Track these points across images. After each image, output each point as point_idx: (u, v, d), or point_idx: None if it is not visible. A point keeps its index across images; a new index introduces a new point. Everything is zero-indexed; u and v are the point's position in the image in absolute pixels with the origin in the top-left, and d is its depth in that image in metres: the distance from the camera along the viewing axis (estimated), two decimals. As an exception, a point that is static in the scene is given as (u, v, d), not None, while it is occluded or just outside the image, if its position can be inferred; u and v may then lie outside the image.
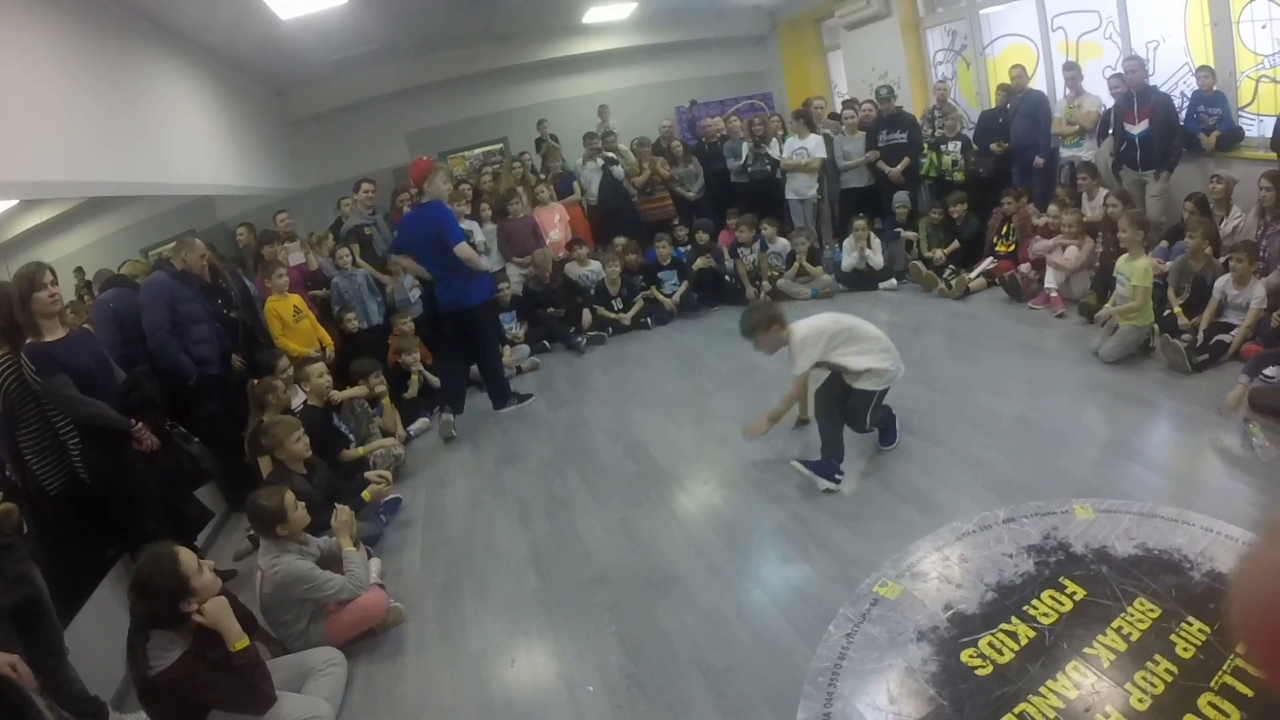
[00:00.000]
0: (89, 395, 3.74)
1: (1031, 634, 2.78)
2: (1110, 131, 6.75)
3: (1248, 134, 6.33)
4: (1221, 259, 5.26)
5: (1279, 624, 0.48)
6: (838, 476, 4.13)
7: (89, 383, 3.76)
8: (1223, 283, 4.98)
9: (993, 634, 2.82)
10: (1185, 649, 2.57)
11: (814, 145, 8.35)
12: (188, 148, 6.82)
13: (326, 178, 10.44)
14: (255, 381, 5.21)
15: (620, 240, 8.41)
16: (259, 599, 3.52)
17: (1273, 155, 5.76)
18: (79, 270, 5.43)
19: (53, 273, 3.70)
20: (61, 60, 4.94)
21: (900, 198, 7.90)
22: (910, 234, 7.82)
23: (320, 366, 5.20)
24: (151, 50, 6.40)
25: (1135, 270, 5.05)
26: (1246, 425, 3.90)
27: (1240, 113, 6.40)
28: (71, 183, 4.89)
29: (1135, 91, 6.38)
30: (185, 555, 2.83)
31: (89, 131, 5.11)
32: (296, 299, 6.23)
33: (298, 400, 5.27)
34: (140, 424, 3.99)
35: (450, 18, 9.37)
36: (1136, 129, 6.39)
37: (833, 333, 4.14)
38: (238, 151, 8.29)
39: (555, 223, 8.44)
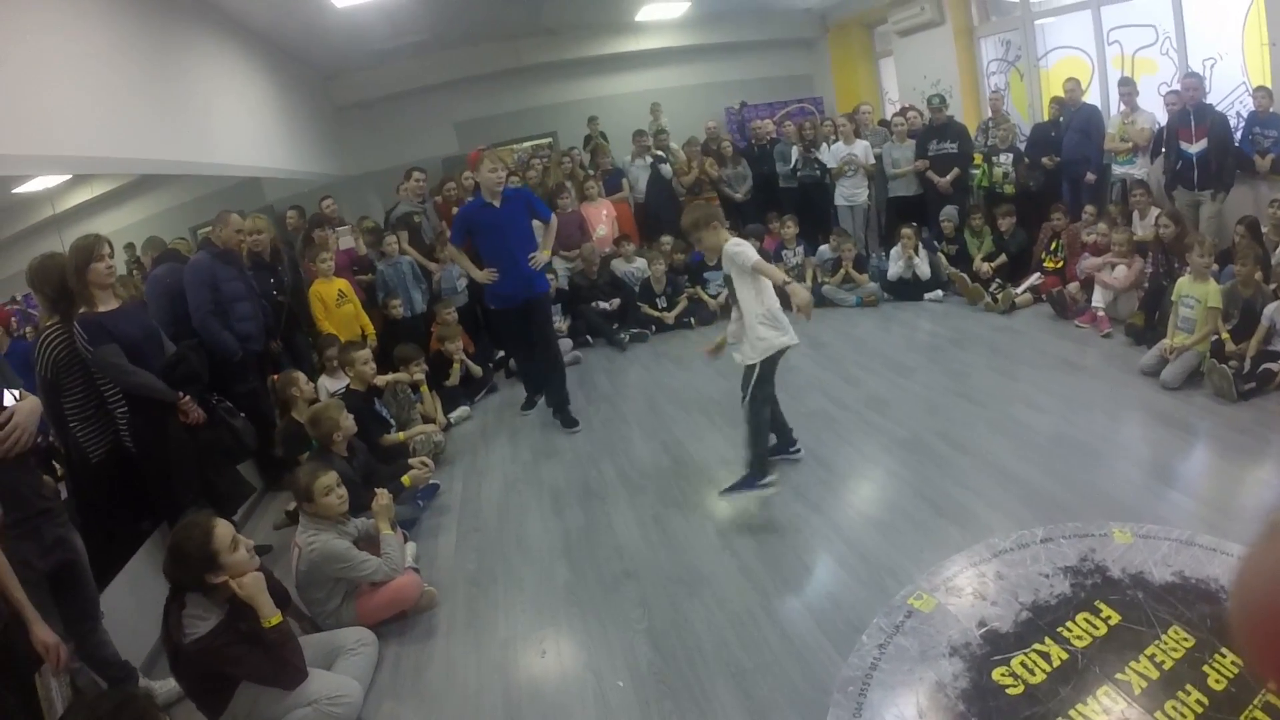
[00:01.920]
0: (136, 366, 3.84)
1: (1064, 656, 2.76)
2: (1163, 150, 6.65)
3: (1304, 157, 6.19)
4: (1272, 285, 5.17)
5: (1278, 623, 0.47)
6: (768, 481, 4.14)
7: (135, 354, 3.83)
8: (1272, 310, 4.88)
9: (1025, 653, 2.80)
10: (1217, 681, 2.54)
11: (862, 151, 8.35)
12: (235, 128, 6.94)
13: (373, 165, 10.58)
14: (275, 377, 5.26)
15: (667, 238, 8.43)
16: (294, 575, 3.57)
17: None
18: (130, 246, 5.55)
19: (110, 245, 3.78)
20: (114, 39, 5.05)
21: (948, 212, 7.76)
22: (948, 248, 7.69)
23: (365, 353, 5.27)
24: (201, 31, 6.52)
25: (1210, 293, 5.03)
26: None
27: (1298, 135, 6.26)
28: (121, 159, 4.99)
29: (1192, 109, 6.28)
30: (221, 530, 2.87)
31: (139, 109, 5.22)
32: (343, 283, 6.31)
33: (338, 384, 5.37)
34: (187, 397, 4.08)
35: (499, 10, 9.44)
36: (1194, 148, 6.29)
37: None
38: (285, 135, 8.41)
39: (602, 218, 8.49)
